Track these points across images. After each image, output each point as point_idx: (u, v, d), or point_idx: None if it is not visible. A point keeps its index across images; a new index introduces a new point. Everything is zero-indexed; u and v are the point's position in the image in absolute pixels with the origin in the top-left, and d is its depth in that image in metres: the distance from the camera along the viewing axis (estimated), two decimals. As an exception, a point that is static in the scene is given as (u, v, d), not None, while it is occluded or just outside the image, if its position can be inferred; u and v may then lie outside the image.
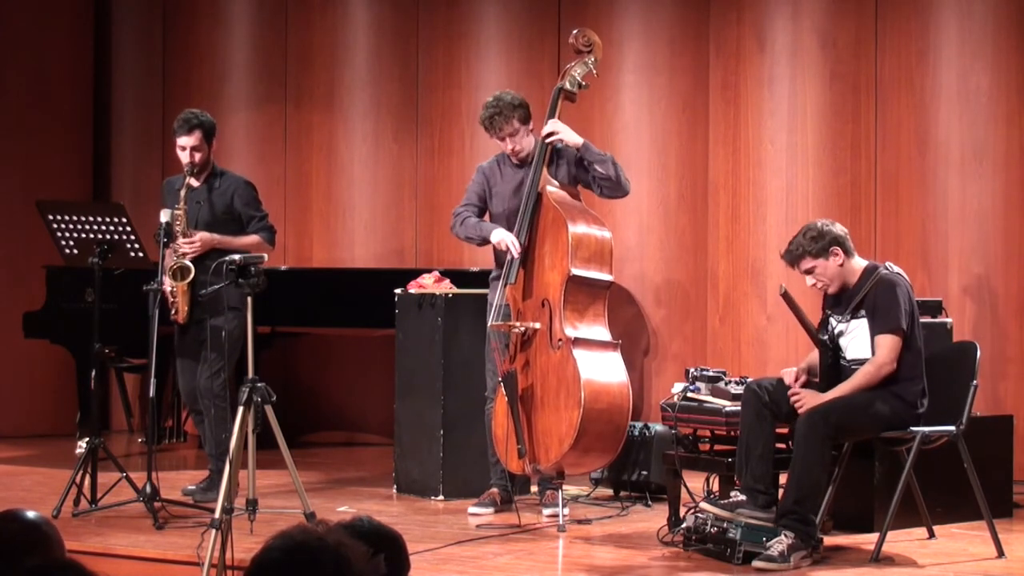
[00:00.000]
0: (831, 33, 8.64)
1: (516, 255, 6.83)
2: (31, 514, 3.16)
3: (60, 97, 10.53)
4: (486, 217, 7.23)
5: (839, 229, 6.25)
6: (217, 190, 7.50)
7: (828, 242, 6.18)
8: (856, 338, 6.19)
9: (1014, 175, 8.22)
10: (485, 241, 7.06)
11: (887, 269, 6.27)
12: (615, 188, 7.01)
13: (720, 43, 8.98)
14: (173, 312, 7.34)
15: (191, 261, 7.24)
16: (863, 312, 6.18)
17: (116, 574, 6.03)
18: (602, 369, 6.70)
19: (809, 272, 6.24)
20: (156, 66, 10.69)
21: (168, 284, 7.24)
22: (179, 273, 7.20)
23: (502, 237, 6.91)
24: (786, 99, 8.75)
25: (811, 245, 6.19)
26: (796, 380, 6.24)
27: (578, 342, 6.67)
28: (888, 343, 6.10)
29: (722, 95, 8.97)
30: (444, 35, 9.81)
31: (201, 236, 7.34)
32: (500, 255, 7.03)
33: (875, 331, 6.13)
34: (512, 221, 6.99)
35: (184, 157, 7.41)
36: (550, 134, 6.93)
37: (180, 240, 7.30)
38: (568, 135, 6.95)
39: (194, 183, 7.45)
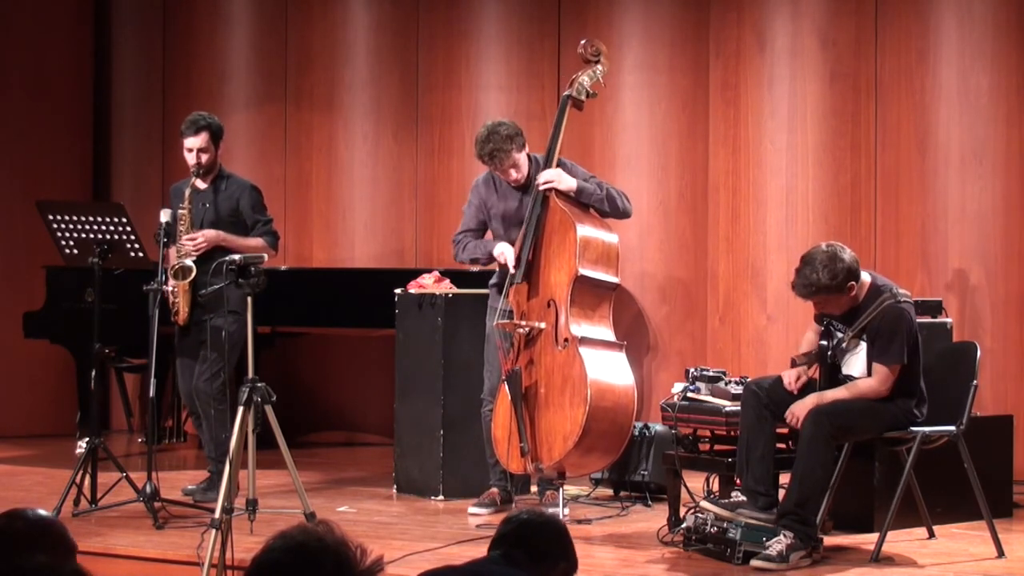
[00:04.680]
0: (831, 33, 8.64)
1: (511, 269, 6.87)
2: (42, 513, 3.16)
3: (60, 97, 10.53)
4: (488, 235, 7.25)
5: (849, 257, 6.06)
6: (223, 192, 7.51)
7: (844, 279, 6.02)
8: (856, 356, 6.16)
9: (1014, 175, 8.22)
10: (491, 257, 7.09)
11: (893, 296, 6.13)
12: (616, 215, 7.05)
13: (720, 43, 8.98)
14: (174, 313, 7.34)
15: (194, 261, 7.24)
16: (867, 337, 6.13)
17: (116, 574, 6.04)
18: (608, 368, 6.71)
19: (823, 305, 6.15)
20: (156, 66, 10.69)
21: (170, 284, 7.24)
22: (180, 273, 7.20)
23: (503, 250, 6.97)
24: (786, 99, 8.75)
25: (829, 282, 6.00)
26: (797, 380, 6.23)
27: (584, 341, 6.68)
28: (884, 374, 6.09)
29: (722, 95, 8.97)
30: (444, 35, 9.81)
31: (205, 233, 7.35)
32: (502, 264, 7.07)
33: (873, 358, 6.12)
34: (508, 239, 7.01)
35: (190, 158, 7.43)
36: (546, 182, 6.92)
37: (184, 239, 7.31)
38: (562, 182, 6.94)
39: (200, 185, 7.48)
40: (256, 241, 7.46)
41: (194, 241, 7.32)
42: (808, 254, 6.12)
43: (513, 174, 7.05)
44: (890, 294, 6.14)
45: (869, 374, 6.13)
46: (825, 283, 6.02)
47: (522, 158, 7.04)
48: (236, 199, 7.52)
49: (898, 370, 6.10)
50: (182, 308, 7.33)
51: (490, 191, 7.20)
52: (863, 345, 6.15)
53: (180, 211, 7.35)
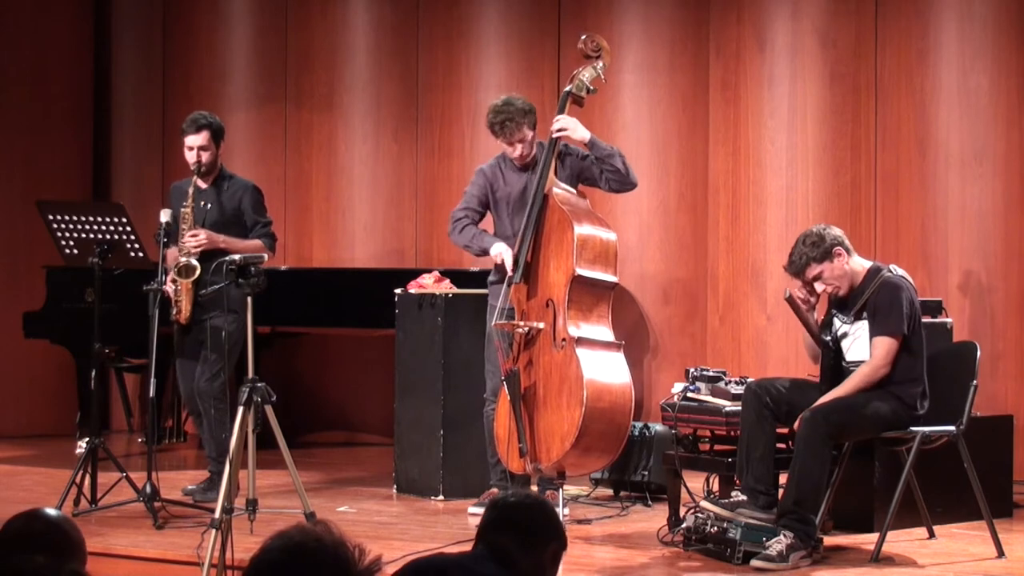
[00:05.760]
0: (831, 33, 8.64)
1: (509, 271, 6.86)
2: (54, 516, 3.17)
3: (60, 97, 10.53)
4: (488, 220, 7.24)
5: (835, 230, 6.25)
6: (226, 192, 7.52)
7: (829, 244, 6.18)
8: (858, 339, 6.19)
9: (1014, 175, 8.22)
10: (484, 252, 7.08)
11: (891, 272, 6.25)
12: (623, 182, 7.06)
13: (720, 43, 8.98)
14: (175, 312, 7.33)
15: (197, 259, 7.24)
16: (866, 314, 6.18)
17: (116, 574, 6.04)
18: (605, 369, 6.70)
19: (817, 279, 6.21)
20: (156, 66, 10.69)
21: (172, 281, 7.23)
22: (184, 271, 7.20)
23: (500, 251, 6.96)
24: (786, 99, 8.74)
25: (813, 251, 6.17)
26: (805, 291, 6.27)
27: (581, 341, 6.67)
28: (884, 346, 6.10)
29: (722, 95, 8.96)
30: (444, 35, 9.81)
31: (206, 232, 7.35)
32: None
33: (873, 333, 6.14)
34: (512, 230, 7.02)
35: (191, 157, 7.43)
36: (560, 129, 6.94)
37: (187, 236, 7.31)
38: (576, 131, 6.97)
39: (202, 184, 7.48)
40: (254, 243, 7.46)
41: (196, 238, 7.32)
42: (795, 241, 6.30)
43: (518, 148, 7.06)
44: (886, 270, 6.21)
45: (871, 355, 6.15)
46: (807, 251, 6.17)
47: (530, 135, 7.06)
48: (239, 199, 7.53)
49: (900, 342, 6.10)
50: (184, 306, 7.32)
51: (496, 174, 7.21)
52: (865, 326, 6.17)
53: (183, 210, 7.35)
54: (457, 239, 7.24)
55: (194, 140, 7.44)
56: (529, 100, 7.21)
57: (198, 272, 7.18)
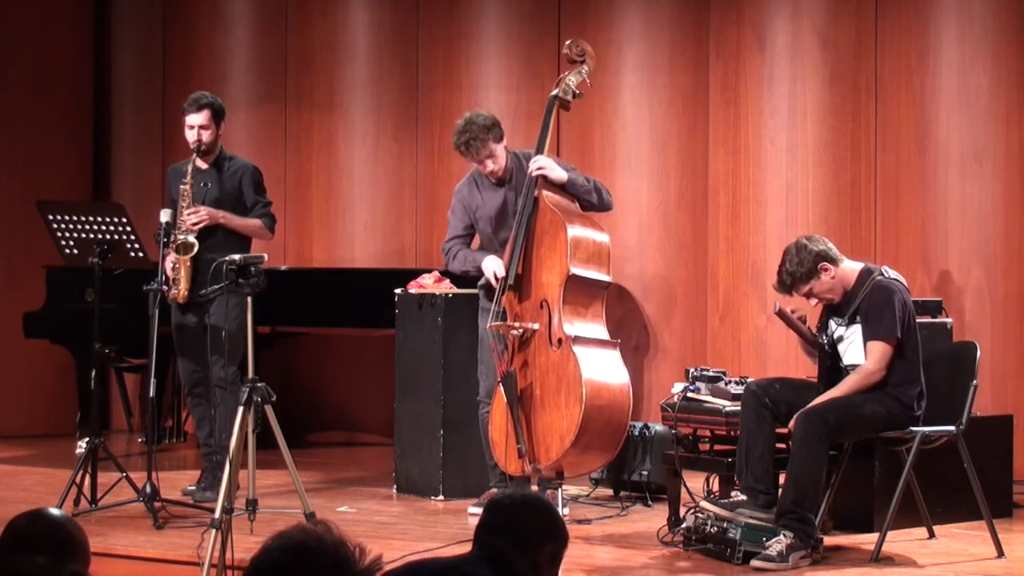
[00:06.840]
0: (831, 33, 8.64)
1: (497, 280, 6.86)
2: (58, 514, 3.17)
3: (60, 97, 10.53)
4: (475, 241, 7.25)
5: (820, 244, 6.20)
6: (226, 172, 7.53)
7: (813, 261, 6.15)
8: (853, 343, 6.19)
9: (1014, 175, 8.22)
10: (479, 271, 7.08)
11: (883, 275, 6.23)
12: (599, 209, 7.10)
13: (720, 43, 8.98)
14: (173, 291, 7.29)
15: (195, 237, 7.25)
16: (859, 318, 6.18)
17: (116, 574, 6.04)
18: (602, 367, 6.72)
19: (808, 295, 6.22)
20: (156, 66, 10.69)
21: (170, 260, 7.22)
22: (183, 248, 7.20)
23: (491, 268, 6.95)
24: (786, 99, 8.74)
25: (799, 270, 6.15)
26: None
27: (578, 340, 6.69)
28: (878, 351, 6.10)
29: (722, 95, 8.96)
30: (444, 35, 9.81)
31: (206, 208, 7.35)
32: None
33: (867, 337, 6.13)
34: (498, 241, 7.02)
35: (191, 136, 7.44)
36: (538, 168, 6.94)
37: (186, 214, 7.30)
38: (553, 171, 6.97)
39: (202, 165, 7.48)
40: (254, 222, 7.49)
41: (197, 214, 7.31)
42: (782, 257, 6.26)
43: (489, 165, 7.06)
44: (878, 273, 6.20)
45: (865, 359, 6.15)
46: (793, 270, 6.16)
47: (499, 150, 7.07)
48: (239, 179, 7.54)
49: (894, 345, 6.10)
50: (183, 285, 7.30)
51: (473, 192, 7.22)
52: (859, 330, 6.17)
53: (182, 187, 7.36)
54: (454, 266, 7.25)
55: (195, 119, 7.44)
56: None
57: (196, 249, 7.19)
